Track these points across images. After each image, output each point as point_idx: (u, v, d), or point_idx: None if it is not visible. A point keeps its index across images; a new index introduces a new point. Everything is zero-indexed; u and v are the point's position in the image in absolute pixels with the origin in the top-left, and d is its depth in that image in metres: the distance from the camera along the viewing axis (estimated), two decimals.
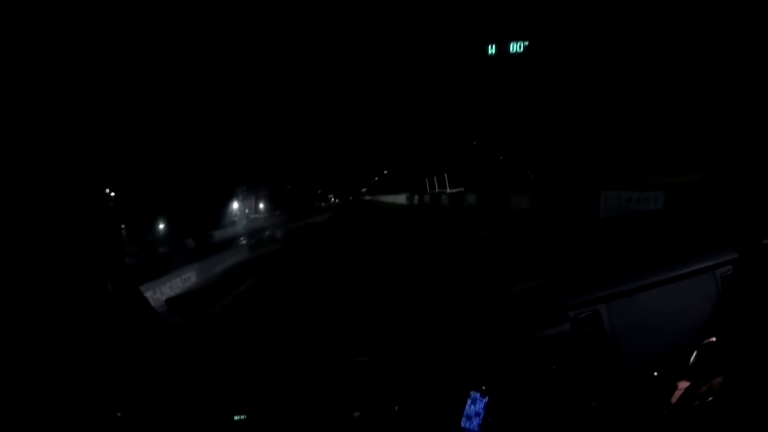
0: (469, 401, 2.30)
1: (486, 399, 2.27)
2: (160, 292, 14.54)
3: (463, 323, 2.61)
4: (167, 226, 34.33)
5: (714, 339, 2.34)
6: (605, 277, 2.75)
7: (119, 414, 2.25)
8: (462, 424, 2.28)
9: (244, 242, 32.09)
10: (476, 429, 2.27)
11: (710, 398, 2.01)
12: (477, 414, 2.28)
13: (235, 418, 2.41)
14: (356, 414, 2.37)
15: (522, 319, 2.53)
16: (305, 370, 2.52)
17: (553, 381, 2.38)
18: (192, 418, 2.40)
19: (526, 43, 20.72)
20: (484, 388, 2.30)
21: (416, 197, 41.46)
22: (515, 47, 20.77)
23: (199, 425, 2.40)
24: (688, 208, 10.72)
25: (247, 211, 45.86)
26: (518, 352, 2.42)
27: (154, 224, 33.32)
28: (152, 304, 2.61)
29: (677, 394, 2.17)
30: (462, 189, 32.10)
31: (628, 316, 2.62)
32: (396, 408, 2.36)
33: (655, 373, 2.47)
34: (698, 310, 2.74)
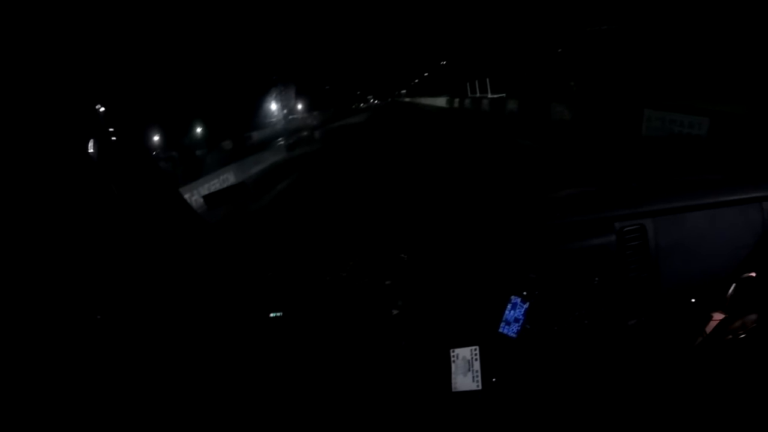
0: (509, 306, 2.27)
1: (526, 305, 2.24)
2: (198, 194, 14.79)
3: (506, 225, 2.55)
4: (204, 128, 34.52)
5: (754, 274, 2.21)
6: (652, 192, 2.61)
7: (160, 311, 2.31)
8: (500, 329, 2.26)
9: (281, 143, 32.21)
10: (514, 335, 2.25)
11: (742, 334, 1.94)
12: (516, 320, 2.25)
13: (271, 315, 2.42)
14: (395, 311, 2.36)
15: (566, 226, 2.45)
16: (344, 267, 2.49)
17: (593, 294, 2.33)
18: (229, 315, 2.42)
19: None
20: (525, 293, 2.26)
21: (456, 101, 40.64)
22: None
23: (236, 322, 2.42)
24: (732, 139, 10.36)
25: (284, 111, 45.71)
26: (561, 260, 2.35)
27: (191, 128, 33.54)
28: (191, 205, 2.65)
29: (711, 324, 2.10)
30: (503, 95, 31.28)
31: (672, 235, 2.50)
32: (434, 308, 2.35)
33: (693, 300, 2.39)
34: (741, 242, 2.62)
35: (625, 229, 2.43)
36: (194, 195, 14.39)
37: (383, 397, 2.34)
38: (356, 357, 2.41)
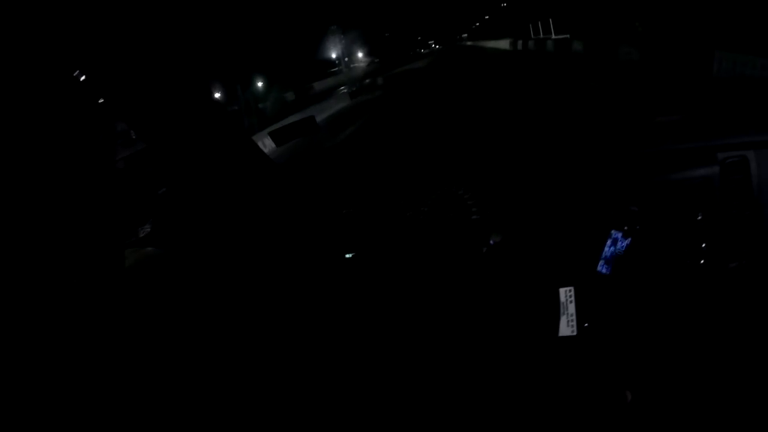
0: (608, 242, 2.07)
1: (628, 241, 2.03)
2: (262, 144, 15.35)
3: (603, 153, 2.38)
4: (265, 81, 34.94)
5: None
6: (754, 120, 2.37)
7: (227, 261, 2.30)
8: (599, 268, 2.07)
9: (344, 90, 32.49)
10: (610, 273, 2.06)
11: None
12: (617, 257, 2.05)
13: (347, 255, 2.36)
14: (485, 248, 2.22)
15: (667, 154, 2.25)
16: (425, 201, 2.39)
17: (696, 231, 2.10)
18: (303, 257, 2.33)
19: None
20: (626, 228, 2.06)
21: (519, 42, 39.71)
22: None
23: (310, 264, 2.34)
24: None
25: (346, 60, 45.83)
26: (663, 193, 2.14)
27: (252, 81, 33.99)
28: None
29: None
30: (567, 36, 30.40)
31: None
32: (526, 244, 2.20)
33: None
34: None
35: (728, 161, 2.20)
36: (261, 145, 14.92)
37: (472, 344, 2.19)
38: (440, 300, 2.26)
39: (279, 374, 2.31)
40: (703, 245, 2.10)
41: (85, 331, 2.11)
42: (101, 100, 2.18)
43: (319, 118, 22.90)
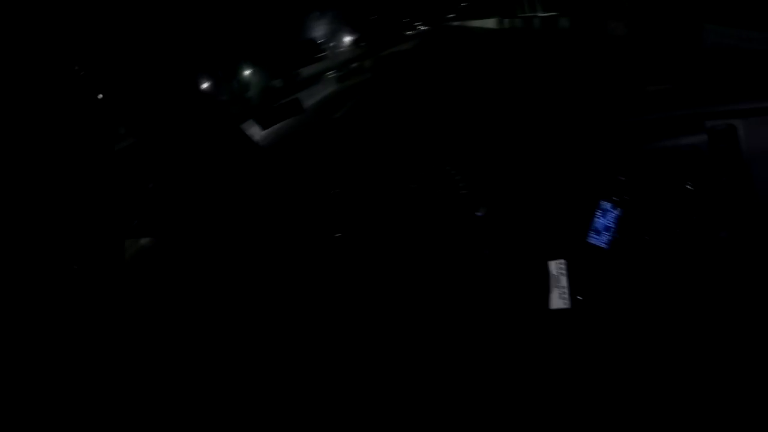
0: (598, 213, 2.05)
1: (617, 212, 2.03)
2: (252, 132, 15.32)
3: (590, 120, 2.37)
4: (252, 70, 34.80)
5: None
6: (742, 89, 2.34)
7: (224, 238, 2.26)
8: (589, 239, 2.05)
9: (332, 75, 32.43)
10: (605, 245, 2.05)
11: None
12: (607, 228, 2.05)
13: (337, 235, 2.34)
14: (478, 214, 2.21)
15: (654, 122, 2.24)
16: (413, 178, 2.39)
17: (686, 200, 2.09)
18: (295, 238, 2.33)
19: None
20: (615, 199, 2.05)
21: (506, 21, 39.67)
22: None
23: (295, 245, 2.34)
24: None
25: (332, 44, 45.62)
26: (651, 161, 2.13)
27: (238, 71, 33.85)
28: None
29: None
30: (555, 13, 30.31)
31: (765, 140, 2.21)
32: (514, 216, 2.18)
33: None
34: None
35: (716, 128, 2.19)
36: (249, 132, 14.93)
37: (466, 317, 2.19)
38: (433, 275, 2.26)
39: (272, 364, 2.35)
40: (693, 214, 2.08)
41: (84, 326, 2.16)
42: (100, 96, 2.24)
43: (308, 103, 22.85)
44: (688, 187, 2.09)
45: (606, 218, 2.06)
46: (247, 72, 34.67)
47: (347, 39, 49.44)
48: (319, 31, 44.74)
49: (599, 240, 2.05)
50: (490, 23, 45.89)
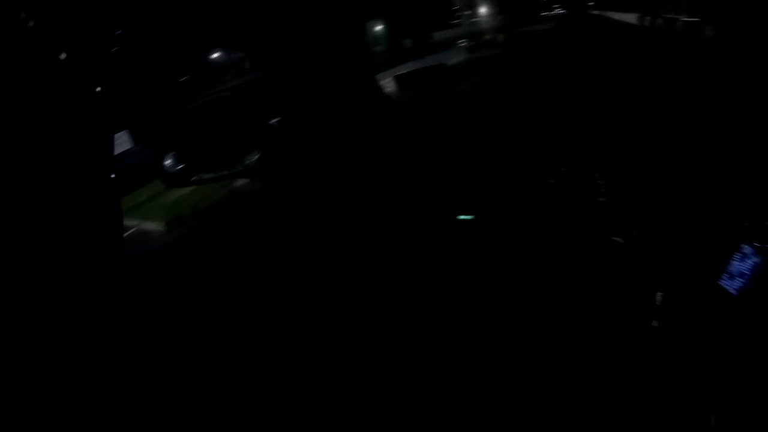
0: (737, 256, 1.82)
1: (758, 259, 1.75)
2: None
3: (745, 158, 2.20)
4: (385, 26, 35.05)
5: None
6: None
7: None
8: (721, 281, 1.83)
9: (463, 44, 32.72)
10: (735, 292, 1.81)
11: None
12: (742, 274, 1.80)
13: (461, 217, 2.23)
14: (619, 240, 2.02)
15: None
16: (553, 173, 2.26)
17: None
18: (417, 215, 2.24)
19: None
20: (758, 245, 1.79)
21: (647, 19, 38.46)
22: None
23: (423, 222, 2.24)
24: None
25: (468, 13, 45.78)
26: None
27: (370, 26, 34.31)
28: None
29: None
30: (698, 19, 29.07)
31: None
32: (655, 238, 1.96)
33: None
34: None
35: None
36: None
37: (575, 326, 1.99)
38: (560, 284, 2.07)
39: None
40: None
41: (87, 323, 2.03)
42: (98, 89, 2.16)
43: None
44: None
45: (744, 264, 1.83)
46: (380, 26, 34.87)
47: (483, 10, 49.39)
48: None
49: (731, 285, 1.83)
50: (630, 17, 44.47)
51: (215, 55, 24.22)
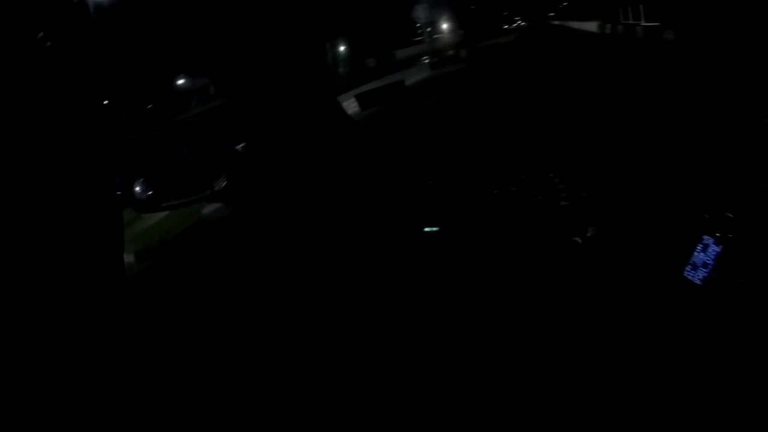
0: (699, 247, 1.87)
1: (719, 249, 1.80)
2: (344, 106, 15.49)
3: (705, 151, 2.23)
4: (347, 46, 35.40)
5: None
6: None
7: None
8: (685, 273, 1.88)
9: (426, 61, 33.04)
10: (699, 282, 1.85)
11: None
12: (705, 265, 1.83)
13: (426, 229, 2.22)
14: (578, 240, 2.04)
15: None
16: (513, 181, 2.26)
17: None
18: (378, 228, 2.22)
19: None
20: (718, 235, 1.82)
21: (608, 26, 39.44)
22: None
23: (385, 237, 2.22)
24: None
25: (429, 29, 46.32)
26: (761, 201, 1.91)
27: (331, 47, 34.49)
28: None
29: None
30: (658, 24, 29.82)
31: None
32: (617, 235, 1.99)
33: None
34: None
35: None
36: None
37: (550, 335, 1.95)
38: (524, 291, 2.05)
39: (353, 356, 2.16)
40: None
41: (87, 327, 2.01)
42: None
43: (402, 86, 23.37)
44: None
45: (706, 254, 1.85)
46: (342, 46, 35.19)
47: (445, 26, 49.99)
48: (417, 13, 45.43)
49: (695, 275, 1.88)
50: (590, 26, 45.49)
51: (180, 82, 24.05)
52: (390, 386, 1.96)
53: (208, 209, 9.37)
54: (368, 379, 2.03)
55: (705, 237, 1.84)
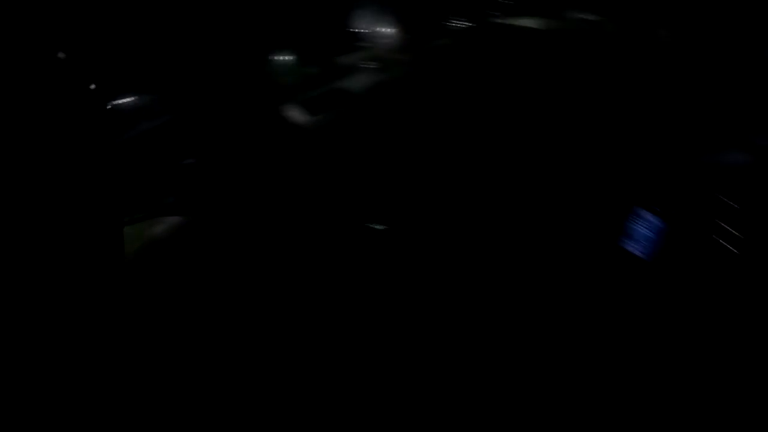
0: (636, 220, 1.81)
1: (662, 224, 1.74)
2: (289, 115, 15.21)
3: (634, 132, 2.16)
4: (289, 56, 34.79)
5: None
6: None
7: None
8: (624, 245, 1.82)
9: (372, 66, 32.74)
10: (643, 255, 1.80)
11: None
12: (647, 238, 1.76)
13: (376, 227, 2.21)
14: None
15: (703, 140, 2.11)
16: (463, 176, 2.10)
17: (733, 220, 1.81)
18: (320, 223, 2.19)
19: None
20: (658, 209, 1.81)
21: (553, 21, 39.97)
22: None
23: (329, 231, 2.21)
24: None
25: (372, 34, 46.29)
26: (699, 177, 1.89)
27: (273, 58, 33.85)
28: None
29: None
30: (604, 18, 30.06)
31: None
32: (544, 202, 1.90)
33: None
34: None
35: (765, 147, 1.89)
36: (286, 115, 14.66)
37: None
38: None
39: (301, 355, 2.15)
40: (740, 235, 1.80)
41: (85, 322, 2.08)
42: (93, 86, 2.09)
43: (346, 92, 22.99)
44: (736, 206, 1.91)
45: (645, 228, 1.75)
46: (282, 57, 34.69)
47: (386, 30, 50.17)
48: (356, 19, 45.16)
49: (636, 248, 1.74)
50: (533, 23, 46.14)
51: (125, 100, 23.09)
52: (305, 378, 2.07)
53: (161, 222, 8.84)
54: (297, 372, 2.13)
55: (641, 210, 1.83)
